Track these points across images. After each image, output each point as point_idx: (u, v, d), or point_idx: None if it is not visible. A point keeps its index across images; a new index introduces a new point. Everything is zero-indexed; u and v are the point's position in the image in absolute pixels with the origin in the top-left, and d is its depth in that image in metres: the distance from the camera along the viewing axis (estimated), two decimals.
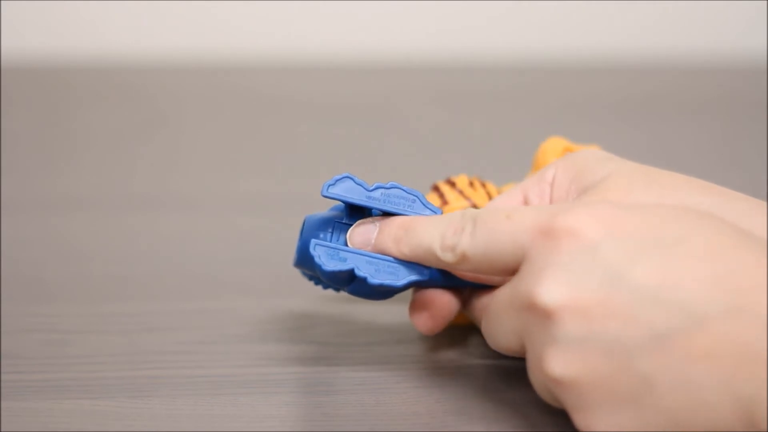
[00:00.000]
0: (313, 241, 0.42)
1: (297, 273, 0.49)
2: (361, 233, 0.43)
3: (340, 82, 0.93)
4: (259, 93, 0.89)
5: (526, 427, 0.41)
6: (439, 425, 0.41)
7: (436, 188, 0.49)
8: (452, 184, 0.49)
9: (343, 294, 0.51)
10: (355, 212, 0.43)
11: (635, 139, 0.80)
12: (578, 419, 0.37)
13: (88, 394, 0.43)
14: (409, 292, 0.45)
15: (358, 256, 0.42)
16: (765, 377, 0.34)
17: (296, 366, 0.46)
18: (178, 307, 0.52)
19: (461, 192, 0.49)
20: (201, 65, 0.96)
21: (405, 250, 0.42)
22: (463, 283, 0.44)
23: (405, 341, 0.48)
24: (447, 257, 0.40)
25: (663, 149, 0.78)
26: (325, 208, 0.45)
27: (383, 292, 0.43)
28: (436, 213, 0.42)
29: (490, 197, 0.49)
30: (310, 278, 0.46)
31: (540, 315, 0.37)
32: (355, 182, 0.42)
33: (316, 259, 0.41)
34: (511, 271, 0.39)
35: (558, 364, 0.36)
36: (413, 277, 0.42)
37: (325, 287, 0.45)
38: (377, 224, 0.43)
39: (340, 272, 0.42)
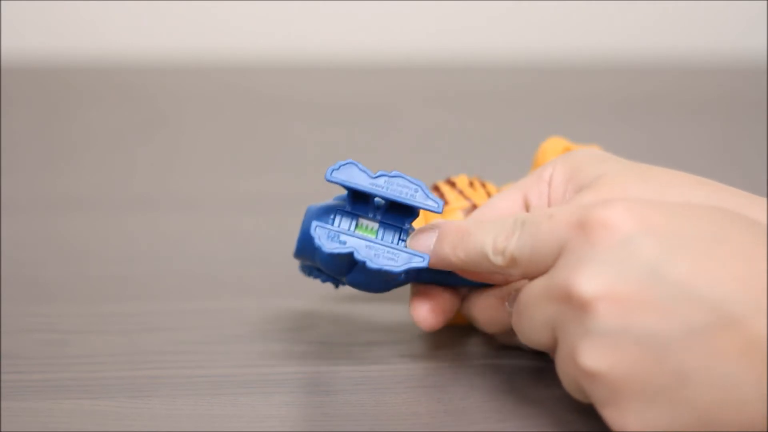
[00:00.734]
0: (314, 222, 0.42)
1: (297, 273, 0.49)
2: (421, 240, 0.43)
3: (340, 82, 0.93)
4: (259, 93, 0.89)
5: (528, 427, 0.41)
6: (439, 425, 0.41)
7: (436, 188, 0.49)
8: (452, 184, 0.49)
9: (343, 293, 0.51)
10: (358, 200, 0.43)
11: (635, 139, 0.80)
12: (608, 414, 0.37)
13: (88, 394, 0.43)
14: (408, 289, 0.45)
15: (358, 240, 0.42)
16: None
17: (296, 366, 0.46)
18: (178, 307, 0.52)
19: (461, 192, 0.49)
20: (201, 65, 0.96)
21: (461, 254, 0.41)
22: (461, 281, 0.44)
23: (405, 341, 0.48)
24: (498, 260, 0.40)
25: (663, 149, 0.78)
26: (326, 200, 0.45)
27: (382, 282, 0.43)
28: (438, 204, 0.42)
29: (490, 197, 0.49)
30: (310, 272, 0.46)
31: (576, 306, 0.37)
32: (359, 168, 0.42)
33: (316, 240, 0.41)
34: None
35: (592, 357, 0.36)
36: (412, 264, 0.42)
37: (324, 280, 0.45)
38: (436, 230, 0.43)
39: (339, 255, 0.41)
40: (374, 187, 0.42)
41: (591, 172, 0.42)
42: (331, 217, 0.43)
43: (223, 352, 0.47)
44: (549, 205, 0.43)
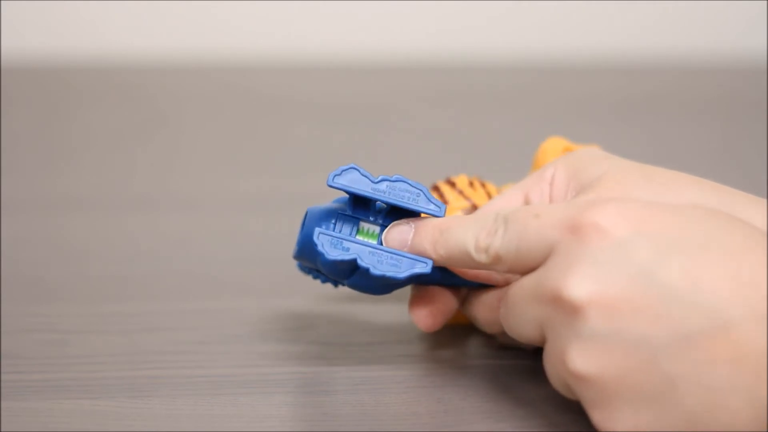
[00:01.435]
0: (317, 229, 0.42)
1: (297, 273, 0.49)
2: (396, 235, 0.43)
3: (340, 82, 0.93)
4: (259, 93, 0.89)
5: (526, 427, 0.41)
6: (439, 425, 0.41)
7: (436, 188, 0.49)
8: (452, 184, 0.49)
9: (343, 293, 0.51)
10: (359, 204, 0.43)
11: (635, 138, 0.80)
12: (596, 416, 0.37)
13: (88, 394, 0.43)
14: (408, 289, 0.45)
15: (361, 246, 0.42)
16: None
17: (296, 366, 0.46)
18: (178, 307, 0.52)
19: (461, 192, 0.49)
20: (201, 65, 0.96)
21: (441, 251, 0.41)
22: (462, 282, 0.44)
23: (405, 341, 0.48)
24: (481, 258, 0.40)
25: (663, 149, 0.78)
26: (326, 203, 0.45)
27: (383, 286, 0.43)
28: (440, 207, 0.42)
29: (490, 197, 0.49)
30: (309, 271, 0.46)
31: (566, 309, 0.36)
32: (360, 173, 0.42)
33: (320, 248, 0.41)
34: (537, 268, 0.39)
35: (581, 360, 0.36)
36: (415, 270, 0.42)
37: (324, 281, 0.45)
38: (412, 225, 0.42)
39: (343, 262, 0.41)
40: (376, 192, 0.42)
41: (592, 172, 0.42)
42: (333, 221, 0.43)
43: (223, 352, 0.47)
44: (550, 203, 0.43)
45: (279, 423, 0.42)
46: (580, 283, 0.36)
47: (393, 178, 0.43)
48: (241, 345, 0.48)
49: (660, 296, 0.35)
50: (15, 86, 0.88)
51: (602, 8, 1.03)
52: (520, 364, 0.45)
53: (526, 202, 0.44)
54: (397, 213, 0.43)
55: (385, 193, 0.42)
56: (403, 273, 0.41)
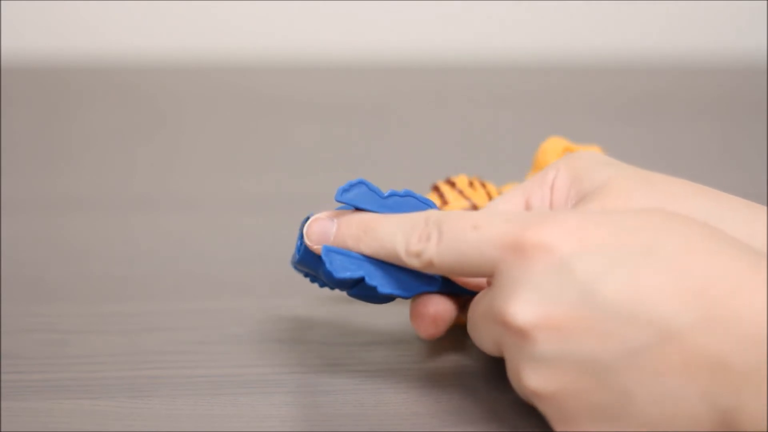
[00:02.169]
0: (325, 246, 0.41)
1: (297, 273, 0.49)
2: (317, 230, 0.42)
3: (340, 82, 0.93)
4: (259, 93, 0.89)
5: (526, 428, 0.41)
6: (439, 425, 0.41)
7: (436, 188, 0.49)
8: (452, 184, 0.49)
9: (343, 294, 0.50)
10: None
11: (635, 138, 0.80)
12: (558, 427, 0.37)
13: (88, 394, 0.43)
14: None
15: (370, 264, 0.41)
16: (741, 385, 0.34)
17: (296, 366, 0.46)
18: (178, 307, 0.52)
19: (461, 192, 0.49)
20: (201, 65, 0.96)
21: (365, 249, 0.41)
22: (462, 291, 0.44)
23: (405, 341, 0.48)
24: (413, 262, 0.40)
25: (663, 149, 0.78)
26: (325, 208, 0.45)
27: (384, 298, 0.43)
28: (401, 213, 0.42)
29: (490, 197, 0.49)
30: (306, 275, 0.46)
31: (514, 333, 0.37)
32: (369, 188, 0.42)
33: (328, 266, 0.41)
34: (486, 276, 0.39)
35: (535, 380, 0.37)
36: (423, 288, 0.42)
37: (321, 285, 0.45)
38: (335, 221, 0.42)
39: (350, 280, 0.41)
40: (384, 208, 0.42)
41: (595, 179, 0.42)
42: None
43: (223, 352, 0.47)
44: (551, 209, 0.43)
45: (279, 423, 0.42)
46: (524, 308, 0.36)
47: (402, 193, 0.42)
48: (241, 345, 0.48)
49: (604, 314, 0.35)
50: (15, 86, 0.88)
51: (602, 8, 1.03)
52: None
53: (527, 206, 0.44)
54: None
55: (393, 209, 0.42)
56: (410, 292, 0.42)
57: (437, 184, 0.49)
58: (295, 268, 0.47)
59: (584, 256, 0.36)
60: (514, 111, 0.86)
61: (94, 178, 0.70)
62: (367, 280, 0.41)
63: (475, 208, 0.48)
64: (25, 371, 0.45)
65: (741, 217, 0.39)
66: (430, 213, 0.40)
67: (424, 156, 0.76)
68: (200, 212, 0.64)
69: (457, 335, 0.48)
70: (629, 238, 0.36)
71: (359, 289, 0.42)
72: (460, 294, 0.44)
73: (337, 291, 0.51)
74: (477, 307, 0.40)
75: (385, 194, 0.42)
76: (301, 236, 0.43)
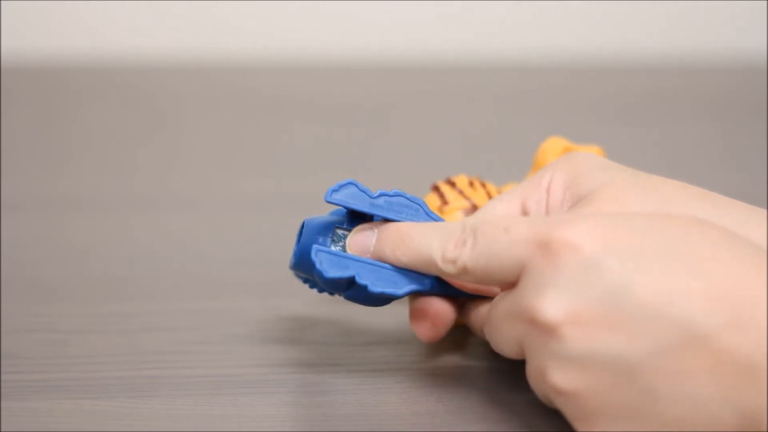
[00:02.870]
0: (315, 247, 0.42)
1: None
2: (359, 240, 0.43)
3: (340, 82, 0.93)
4: (259, 93, 0.89)
5: (526, 428, 0.41)
6: (439, 425, 0.41)
7: (436, 188, 0.49)
8: (452, 184, 0.49)
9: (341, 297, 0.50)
10: (356, 218, 0.43)
11: (635, 138, 0.80)
12: (580, 429, 0.37)
13: (88, 394, 0.43)
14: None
15: (360, 263, 0.42)
16: (767, 388, 0.34)
17: (296, 366, 0.46)
18: (178, 307, 0.52)
19: (461, 192, 0.49)
20: (201, 65, 0.96)
21: (402, 258, 0.41)
22: (460, 293, 0.44)
23: (405, 341, 0.48)
24: (449, 269, 0.40)
25: (663, 149, 0.78)
26: (324, 211, 0.45)
27: (381, 299, 0.43)
28: (438, 222, 0.42)
29: (490, 197, 0.49)
30: (305, 281, 0.46)
31: (541, 329, 0.37)
32: (359, 189, 0.42)
33: (318, 266, 0.41)
34: (511, 283, 0.39)
35: (560, 378, 0.36)
36: (414, 286, 0.42)
37: (320, 290, 0.45)
38: (375, 231, 0.42)
39: (341, 279, 0.41)
40: (374, 207, 0.42)
41: (591, 181, 0.42)
42: (330, 236, 0.43)
43: (223, 352, 0.47)
44: (547, 212, 0.43)
45: (279, 423, 0.42)
46: (552, 305, 0.36)
47: (391, 193, 0.43)
48: (241, 345, 0.48)
49: (632, 312, 0.35)
50: (15, 86, 0.88)
51: (602, 9, 1.03)
52: (520, 365, 0.45)
53: (523, 209, 0.43)
54: None
55: (383, 208, 0.42)
56: (401, 290, 0.42)
57: (437, 184, 0.49)
58: (296, 275, 0.47)
59: (613, 256, 0.36)
60: (514, 111, 0.86)
61: (94, 178, 0.70)
62: (357, 279, 0.41)
63: (475, 207, 0.48)
64: (25, 371, 0.45)
65: (740, 220, 0.39)
66: (466, 220, 0.40)
67: (424, 156, 0.76)
68: (200, 212, 0.64)
69: (457, 335, 0.48)
70: (659, 240, 0.36)
71: (354, 291, 0.42)
72: (457, 296, 0.44)
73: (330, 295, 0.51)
74: (498, 307, 0.39)
75: (375, 194, 0.42)
76: (298, 240, 0.43)
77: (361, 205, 0.42)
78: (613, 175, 0.41)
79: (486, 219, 0.40)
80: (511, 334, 0.39)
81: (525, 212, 0.43)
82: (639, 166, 0.43)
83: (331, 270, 0.41)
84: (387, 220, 0.43)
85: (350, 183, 0.42)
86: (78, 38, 0.97)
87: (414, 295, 0.44)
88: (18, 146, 0.75)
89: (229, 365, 0.46)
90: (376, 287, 0.41)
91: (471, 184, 0.49)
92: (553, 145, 0.50)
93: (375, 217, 0.43)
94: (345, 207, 0.42)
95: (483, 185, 0.49)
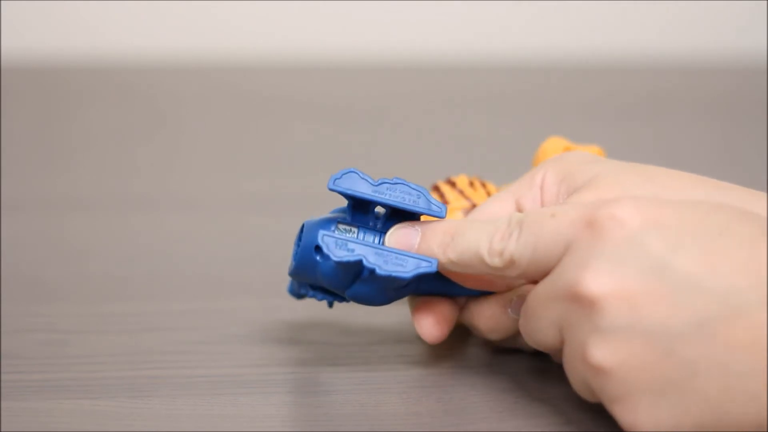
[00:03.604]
0: (321, 232, 0.42)
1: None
2: (402, 238, 0.42)
3: (340, 82, 0.93)
4: (259, 93, 0.89)
5: (527, 427, 0.41)
6: (439, 425, 0.41)
7: (436, 188, 0.49)
8: (452, 183, 0.49)
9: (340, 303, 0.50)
10: (358, 210, 0.43)
11: (635, 138, 0.80)
12: (618, 411, 0.37)
13: (88, 394, 0.43)
14: (407, 297, 0.45)
15: (366, 247, 0.42)
16: None
17: (296, 366, 0.46)
18: (178, 307, 0.52)
19: (461, 192, 0.49)
20: (201, 65, 0.96)
21: (452, 255, 0.41)
22: (461, 291, 0.44)
23: (405, 341, 0.48)
24: (495, 262, 0.40)
25: (663, 149, 0.78)
26: (325, 210, 0.45)
27: (384, 294, 0.43)
28: (441, 208, 0.42)
29: (489, 197, 0.49)
30: (304, 291, 0.46)
31: (584, 304, 0.37)
32: (360, 176, 0.42)
33: (325, 249, 0.41)
34: (555, 264, 0.39)
35: (601, 353, 0.36)
36: (421, 269, 0.41)
37: (320, 298, 0.45)
38: (418, 229, 0.42)
39: (348, 263, 0.41)
40: (377, 194, 0.42)
41: (585, 174, 0.42)
42: (333, 228, 0.43)
43: (223, 352, 0.47)
44: None
45: (279, 423, 0.42)
46: (596, 277, 0.36)
47: (392, 181, 0.43)
48: (241, 345, 0.48)
49: (676, 285, 0.36)
50: (15, 86, 0.88)
51: (602, 8, 1.03)
52: (520, 365, 0.45)
53: (518, 207, 0.43)
54: (397, 216, 0.43)
55: (385, 195, 0.42)
56: (409, 273, 0.41)
57: (437, 184, 0.49)
58: (290, 291, 0.47)
59: (657, 231, 0.36)
60: (514, 111, 0.86)
61: (94, 178, 0.70)
62: (365, 262, 0.41)
63: (475, 207, 0.48)
64: (25, 371, 0.45)
65: (740, 204, 0.39)
66: (513, 214, 0.40)
67: (424, 156, 0.76)
68: (200, 212, 0.64)
69: (457, 335, 0.48)
70: (701, 219, 0.37)
71: (358, 286, 0.42)
72: (460, 295, 0.44)
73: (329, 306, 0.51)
74: (536, 291, 0.39)
75: (377, 182, 0.42)
76: (298, 243, 0.43)
77: (364, 193, 0.42)
78: (604, 166, 0.42)
79: (530, 211, 0.40)
80: (550, 318, 0.39)
81: (520, 210, 0.43)
82: None
83: (338, 253, 0.41)
84: (391, 208, 0.42)
85: (352, 171, 0.42)
86: (78, 38, 0.98)
87: (415, 294, 0.44)
88: (18, 146, 0.75)
89: (229, 365, 0.46)
90: (383, 270, 0.41)
91: (471, 184, 0.49)
92: (553, 145, 0.50)
93: (375, 209, 0.43)
94: (347, 194, 0.42)
95: (483, 185, 0.49)
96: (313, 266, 0.42)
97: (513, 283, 0.43)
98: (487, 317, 0.44)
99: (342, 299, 0.44)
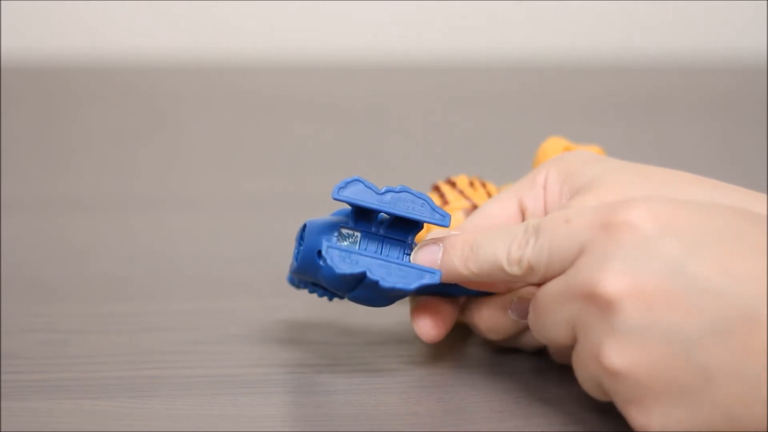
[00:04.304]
0: (325, 243, 0.41)
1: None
2: (425, 257, 0.42)
3: (340, 82, 0.93)
4: (259, 93, 0.89)
5: (527, 427, 0.41)
6: (439, 425, 0.41)
7: (436, 188, 0.49)
8: (452, 184, 0.49)
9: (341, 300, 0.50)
10: (361, 216, 0.43)
11: (635, 139, 0.80)
12: (632, 413, 0.37)
13: (88, 394, 0.43)
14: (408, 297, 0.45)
15: (369, 259, 0.42)
16: None
17: (296, 366, 0.46)
18: (178, 307, 0.52)
19: (461, 192, 0.49)
20: (200, 65, 0.96)
21: (473, 267, 0.41)
22: (462, 291, 0.44)
23: (405, 341, 0.48)
24: (514, 270, 0.40)
25: (663, 149, 0.78)
26: (325, 209, 0.45)
27: (386, 298, 0.43)
28: (445, 217, 0.42)
29: (490, 197, 0.49)
30: (305, 285, 0.46)
31: (600, 304, 0.37)
32: (365, 185, 0.42)
33: (329, 261, 0.41)
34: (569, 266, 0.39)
35: (615, 354, 0.36)
36: (424, 281, 0.42)
37: (321, 294, 0.45)
38: (440, 244, 0.42)
39: (352, 275, 0.41)
40: (381, 204, 0.42)
41: (587, 174, 0.42)
42: (335, 235, 0.43)
43: (223, 352, 0.47)
44: (545, 208, 0.43)
45: (279, 423, 0.42)
46: (614, 278, 0.36)
47: (397, 189, 0.42)
48: (241, 345, 0.48)
49: (693, 288, 0.35)
50: (15, 86, 0.88)
51: (602, 8, 1.03)
52: (520, 365, 0.45)
53: (521, 207, 0.43)
54: (400, 223, 0.43)
55: (389, 204, 0.42)
56: (412, 285, 0.41)
57: (437, 184, 0.49)
58: (290, 281, 0.47)
59: (675, 234, 0.36)
60: (514, 111, 0.86)
61: (94, 178, 0.70)
62: (369, 274, 0.41)
63: (475, 207, 0.48)
64: (25, 371, 0.45)
65: (740, 204, 0.39)
66: (529, 221, 0.40)
67: (424, 156, 0.76)
68: (200, 212, 0.64)
69: (457, 335, 0.48)
70: (717, 223, 0.37)
71: (361, 290, 0.42)
72: (460, 295, 0.44)
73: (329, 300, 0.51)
74: (549, 288, 0.39)
75: (381, 191, 0.42)
76: (300, 242, 0.43)
77: (369, 202, 0.42)
78: (606, 166, 0.42)
79: (546, 217, 0.40)
80: (563, 316, 0.38)
81: (522, 210, 0.44)
82: None
83: (342, 266, 0.41)
84: (395, 217, 0.42)
85: (356, 180, 0.42)
86: (78, 38, 0.98)
87: (416, 294, 0.44)
88: (18, 146, 0.75)
89: (229, 365, 0.46)
90: (386, 282, 0.41)
91: (471, 184, 0.49)
92: (553, 145, 0.50)
93: (379, 215, 0.43)
94: (352, 204, 0.42)
95: (483, 185, 0.49)
96: (314, 268, 0.42)
97: (513, 285, 0.43)
98: (486, 317, 0.44)
99: (342, 297, 0.44)
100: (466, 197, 0.48)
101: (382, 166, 0.73)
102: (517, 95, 0.91)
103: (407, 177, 0.69)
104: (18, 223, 0.61)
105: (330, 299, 0.46)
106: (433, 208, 0.42)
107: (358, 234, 0.43)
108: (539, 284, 0.40)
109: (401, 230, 0.43)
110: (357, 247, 0.43)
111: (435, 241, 0.42)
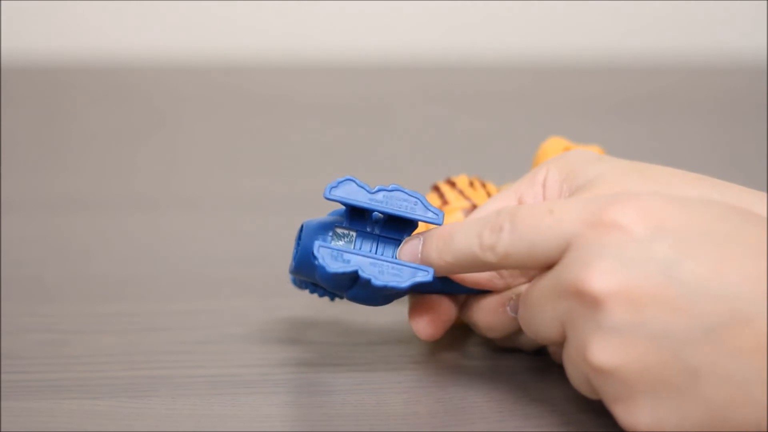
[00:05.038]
0: (317, 243, 0.42)
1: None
2: (408, 251, 0.42)
3: (340, 82, 0.93)
4: (259, 93, 0.89)
5: (527, 427, 0.41)
6: (439, 425, 0.41)
7: (436, 188, 0.49)
8: (452, 184, 0.49)
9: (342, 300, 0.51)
10: (356, 216, 0.43)
11: (635, 139, 0.80)
12: (619, 411, 0.37)
13: (88, 394, 0.43)
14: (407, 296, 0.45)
15: (362, 257, 0.42)
16: None
17: (296, 366, 0.46)
18: (178, 307, 0.52)
19: (461, 192, 0.49)
20: (200, 65, 0.96)
21: (448, 258, 0.41)
22: (461, 289, 0.44)
23: (405, 341, 0.48)
24: (488, 257, 0.40)
25: (663, 149, 0.78)
26: (325, 210, 0.45)
27: (383, 297, 0.43)
28: (438, 215, 0.42)
29: (490, 197, 0.49)
30: (306, 286, 0.46)
31: (588, 302, 0.36)
32: (357, 185, 0.42)
33: (320, 261, 0.41)
34: (553, 264, 0.39)
35: (603, 353, 0.36)
36: (416, 279, 0.42)
37: (322, 294, 0.45)
38: (421, 238, 0.42)
39: (344, 274, 0.41)
40: (373, 202, 0.42)
41: (587, 173, 0.42)
42: (330, 235, 0.43)
43: (223, 352, 0.47)
44: None
45: (279, 423, 0.42)
46: (602, 276, 0.36)
47: (390, 188, 0.43)
48: (241, 345, 0.48)
49: (682, 288, 0.35)
50: (15, 86, 0.88)
51: (602, 8, 1.03)
52: (520, 364, 0.45)
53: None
54: (394, 222, 0.43)
55: (382, 203, 0.42)
56: (404, 282, 0.41)
57: (437, 184, 0.49)
58: (294, 282, 0.47)
59: (664, 233, 0.36)
60: (514, 111, 0.87)
61: (94, 178, 0.70)
62: (360, 273, 0.41)
63: (475, 207, 0.48)
64: (25, 371, 0.45)
65: (740, 203, 0.39)
66: (501, 207, 0.40)
67: (424, 156, 0.76)
68: (200, 212, 0.64)
69: (457, 335, 0.48)
70: (708, 222, 0.36)
71: (357, 289, 0.42)
72: (458, 293, 0.44)
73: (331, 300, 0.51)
74: (538, 285, 0.39)
75: (374, 190, 0.42)
76: (298, 243, 0.43)
77: (360, 201, 0.42)
78: (607, 165, 0.42)
79: (522, 205, 0.40)
80: (552, 313, 0.38)
81: None
82: None
83: (333, 264, 0.41)
84: (388, 215, 0.43)
85: (349, 179, 0.42)
86: (78, 38, 0.98)
87: (414, 293, 0.44)
88: (18, 146, 0.75)
89: (229, 365, 0.46)
90: (378, 281, 0.41)
91: (471, 184, 0.49)
92: (553, 145, 0.50)
93: (373, 214, 0.43)
94: (344, 203, 0.42)
95: (483, 185, 0.49)
96: (312, 268, 0.42)
97: (512, 283, 0.43)
98: (485, 315, 0.44)
99: (342, 297, 0.44)
100: (466, 197, 0.48)
101: (382, 166, 0.73)
102: (517, 95, 0.91)
103: (407, 177, 0.69)
104: (18, 223, 0.61)
105: (331, 299, 0.46)
106: (426, 206, 0.42)
107: (353, 233, 0.43)
108: (529, 279, 0.40)
109: (396, 229, 0.43)
110: (352, 247, 0.43)
111: (418, 235, 0.42)
